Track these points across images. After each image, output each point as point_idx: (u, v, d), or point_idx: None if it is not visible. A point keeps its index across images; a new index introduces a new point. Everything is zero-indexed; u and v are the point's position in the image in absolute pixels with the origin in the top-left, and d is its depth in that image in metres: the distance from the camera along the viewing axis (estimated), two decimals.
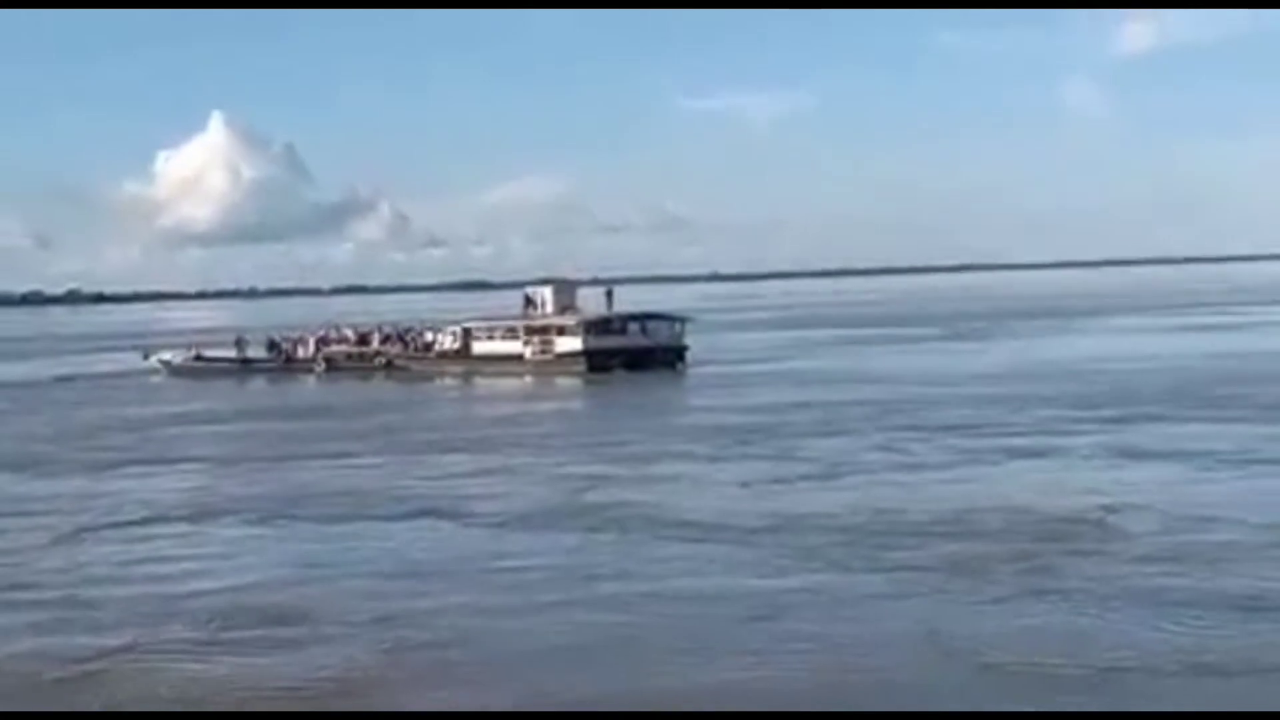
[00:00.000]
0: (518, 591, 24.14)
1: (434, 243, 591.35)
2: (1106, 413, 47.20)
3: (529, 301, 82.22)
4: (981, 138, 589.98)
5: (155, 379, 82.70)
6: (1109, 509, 29.49)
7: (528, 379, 74.24)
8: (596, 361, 74.43)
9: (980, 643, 20.33)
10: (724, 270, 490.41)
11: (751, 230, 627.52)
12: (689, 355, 77.95)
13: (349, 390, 72.68)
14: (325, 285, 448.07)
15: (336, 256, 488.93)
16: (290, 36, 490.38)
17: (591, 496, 33.93)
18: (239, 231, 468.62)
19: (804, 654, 20.12)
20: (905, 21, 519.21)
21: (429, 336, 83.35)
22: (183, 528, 31.75)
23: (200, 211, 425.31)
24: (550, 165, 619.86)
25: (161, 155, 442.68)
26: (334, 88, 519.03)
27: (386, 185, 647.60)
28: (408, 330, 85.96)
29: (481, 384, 73.86)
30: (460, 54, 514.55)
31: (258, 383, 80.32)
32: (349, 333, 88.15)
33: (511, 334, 79.53)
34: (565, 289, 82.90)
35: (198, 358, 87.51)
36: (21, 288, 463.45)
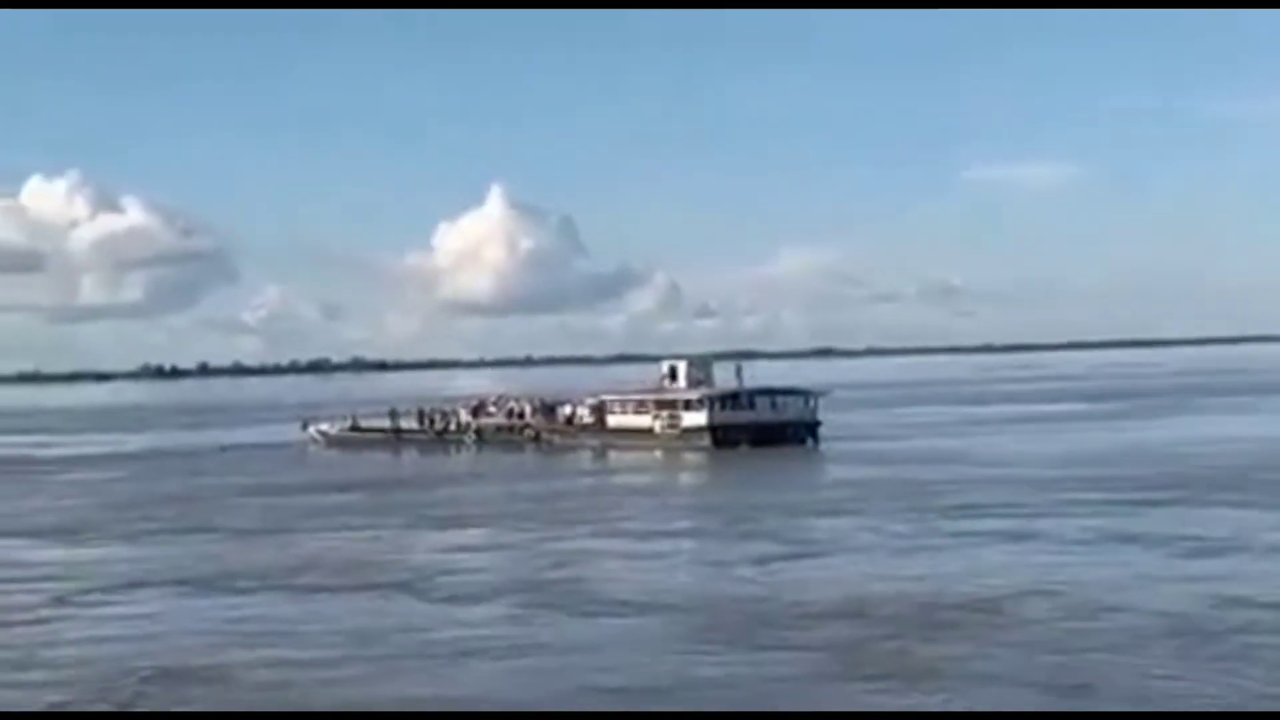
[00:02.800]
0: (410, 662, 25.51)
1: (705, 313, 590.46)
2: (1142, 496, 46.88)
3: (672, 374, 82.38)
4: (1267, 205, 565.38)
5: (313, 448, 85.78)
6: (1023, 595, 29.52)
7: (657, 453, 74.82)
8: (721, 436, 74.67)
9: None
10: (998, 341, 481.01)
11: (1027, 301, 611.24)
12: (822, 431, 77.45)
13: (477, 461, 75.27)
14: (598, 354, 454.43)
15: (609, 326, 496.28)
16: (565, 114, 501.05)
17: (557, 573, 35.02)
18: (515, 301, 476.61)
19: None
20: (1177, 88, 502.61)
21: (569, 409, 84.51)
22: (168, 594, 33.70)
23: (478, 281, 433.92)
24: (822, 236, 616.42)
25: (441, 227, 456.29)
26: (609, 162, 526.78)
27: (659, 256, 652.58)
28: (555, 403, 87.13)
29: (610, 457, 74.76)
30: (732, 126, 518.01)
31: (407, 453, 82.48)
32: (513, 404, 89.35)
33: (642, 408, 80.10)
34: (700, 363, 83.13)
35: (353, 428, 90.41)
36: (309, 356, 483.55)
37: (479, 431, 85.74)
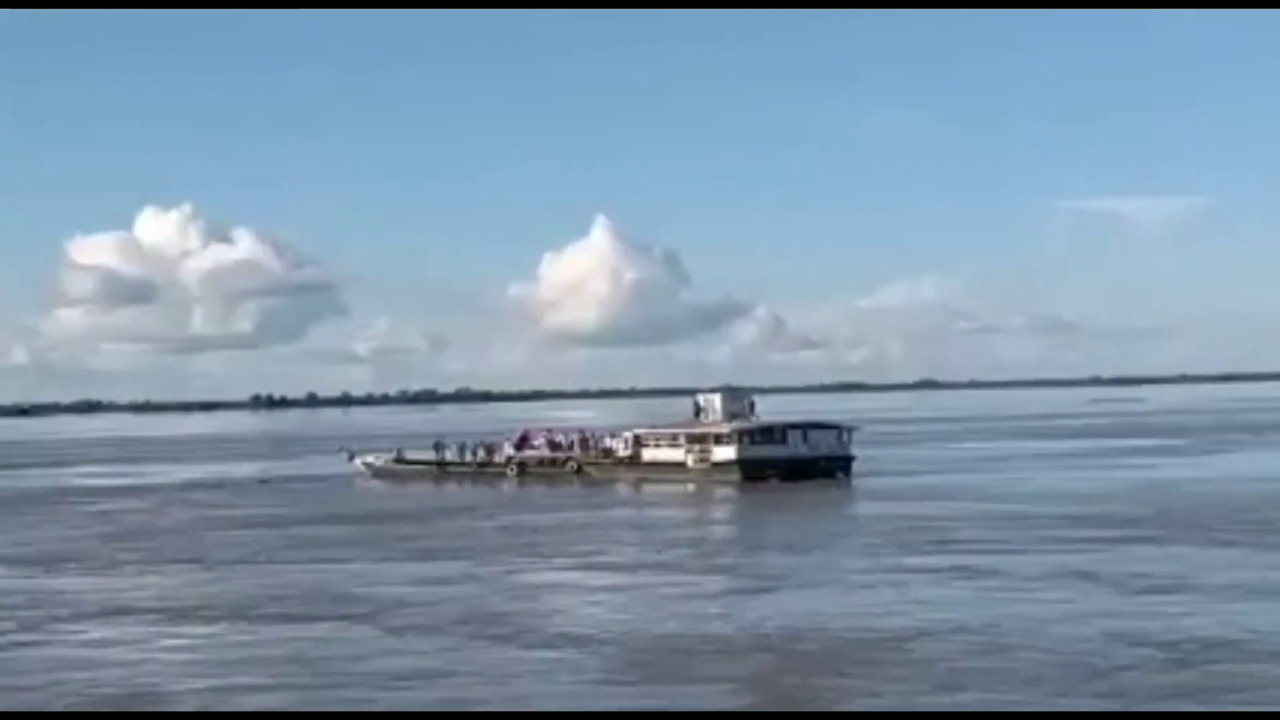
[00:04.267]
0: (335, 689, 26.62)
1: (810, 345, 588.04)
2: (1134, 533, 47.30)
3: (699, 408, 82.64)
4: None
5: (358, 480, 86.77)
6: (944, 632, 30.11)
7: (689, 486, 75.07)
8: (751, 470, 74.92)
9: None
10: (1106, 374, 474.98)
11: (1137, 334, 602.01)
12: (855, 465, 77.26)
13: (510, 494, 75.98)
14: (702, 385, 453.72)
15: (713, 358, 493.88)
16: (670, 146, 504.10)
17: (517, 605, 35.85)
18: (619, 333, 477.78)
19: None
20: None
21: (608, 442, 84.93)
22: (133, 623, 34.83)
23: (582, 313, 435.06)
24: (927, 268, 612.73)
25: (546, 259, 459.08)
26: (713, 194, 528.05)
27: (763, 288, 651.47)
28: (593, 436, 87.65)
29: (643, 490, 75.22)
30: (834, 159, 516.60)
31: (449, 485, 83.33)
32: (560, 437, 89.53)
33: (675, 442, 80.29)
34: (736, 396, 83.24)
35: (398, 460, 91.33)
36: (415, 386, 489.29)
37: (521, 464, 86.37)
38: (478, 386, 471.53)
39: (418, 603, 36.44)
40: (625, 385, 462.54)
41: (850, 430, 80.00)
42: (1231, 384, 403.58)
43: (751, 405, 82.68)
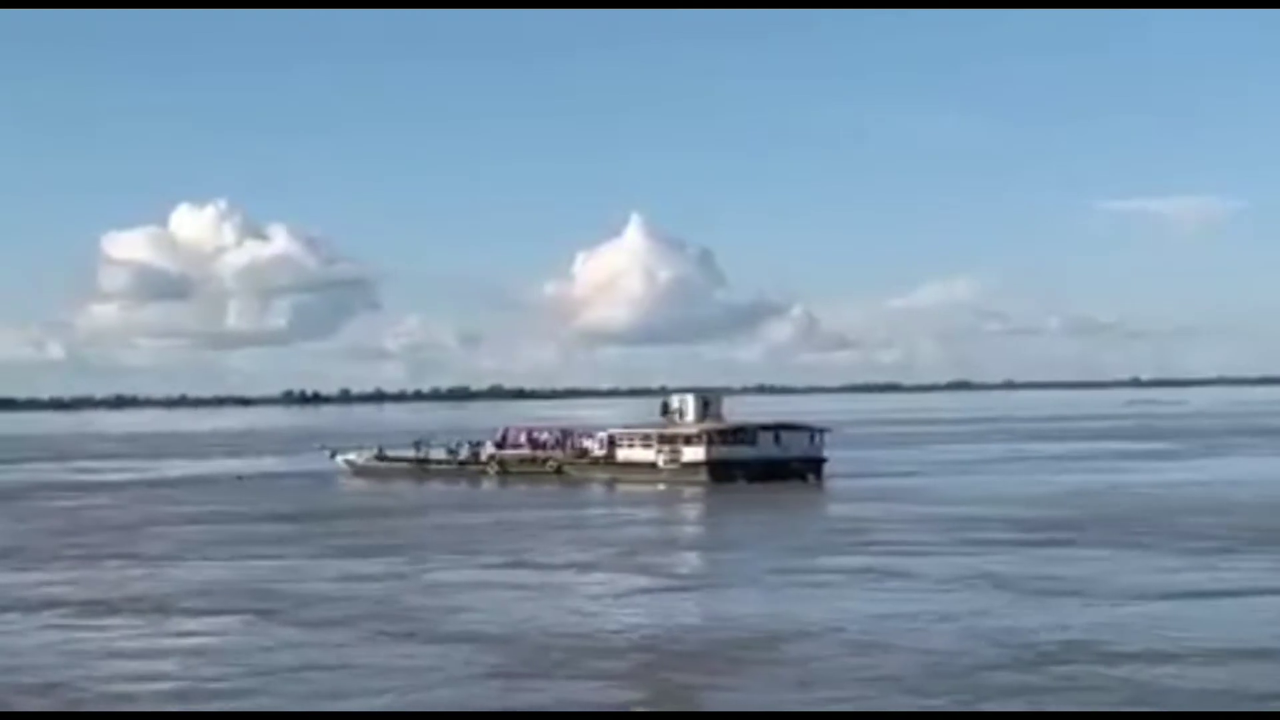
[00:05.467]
0: (236, 680, 27.33)
1: (843, 345, 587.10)
2: (1052, 536, 47.64)
3: (666, 409, 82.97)
4: None
5: (341, 478, 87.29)
6: (823, 633, 30.72)
7: (660, 487, 75.51)
8: (719, 472, 75.16)
9: None
10: (1145, 376, 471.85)
11: (1174, 336, 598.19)
12: (828, 467, 77.24)
13: (483, 492, 76.93)
14: (735, 385, 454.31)
15: (746, 357, 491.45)
16: (703, 146, 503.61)
17: (430, 601, 36.54)
18: (652, 331, 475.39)
19: None
20: None
21: (585, 442, 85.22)
22: (54, 617, 35.45)
23: (615, 311, 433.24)
24: (962, 268, 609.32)
25: (580, 257, 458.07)
26: (746, 194, 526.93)
27: (797, 287, 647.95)
28: (571, 435, 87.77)
29: (615, 490, 75.50)
30: (867, 159, 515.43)
31: (429, 483, 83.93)
32: (546, 435, 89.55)
33: (647, 442, 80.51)
34: (709, 397, 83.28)
35: (379, 458, 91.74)
36: (448, 383, 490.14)
37: (502, 462, 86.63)
38: (510, 384, 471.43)
39: (333, 598, 37.06)
40: (657, 384, 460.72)
41: (823, 432, 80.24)
42: (1273, 386, 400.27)
43: (706, 405, 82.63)
